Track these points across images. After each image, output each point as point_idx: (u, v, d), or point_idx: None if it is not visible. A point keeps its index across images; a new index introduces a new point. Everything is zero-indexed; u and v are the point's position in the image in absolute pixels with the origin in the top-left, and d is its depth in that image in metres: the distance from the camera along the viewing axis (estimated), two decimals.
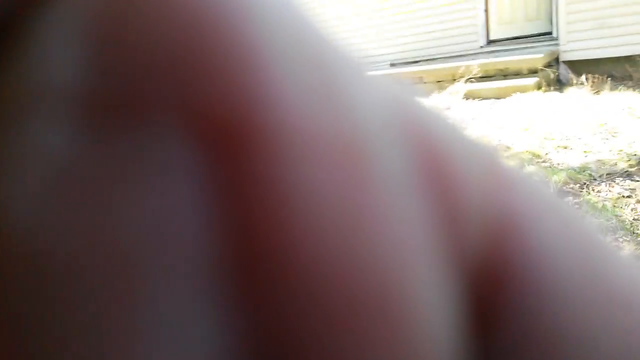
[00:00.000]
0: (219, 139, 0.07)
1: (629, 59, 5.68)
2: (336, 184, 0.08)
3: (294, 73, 0.08)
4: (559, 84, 6.01)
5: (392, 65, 7.39)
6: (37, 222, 0.07)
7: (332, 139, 0.08)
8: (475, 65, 5.93)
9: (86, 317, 0.07)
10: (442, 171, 0.09)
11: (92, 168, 0.07)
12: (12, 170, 0.07)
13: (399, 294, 0.08)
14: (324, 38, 0.09)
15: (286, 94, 0.08)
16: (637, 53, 5.61)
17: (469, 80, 5.86)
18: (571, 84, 5.81)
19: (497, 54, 6.56)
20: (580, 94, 5.39)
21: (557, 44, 6.26)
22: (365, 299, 0.08)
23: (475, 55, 6.64)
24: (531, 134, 4.30)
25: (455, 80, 6.00)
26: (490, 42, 7.01)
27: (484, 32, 6.99)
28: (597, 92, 5.34)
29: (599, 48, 5.91)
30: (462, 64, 6.09)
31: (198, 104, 0.07)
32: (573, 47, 6.11)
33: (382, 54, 7.43)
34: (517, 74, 5.92)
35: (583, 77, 5.64)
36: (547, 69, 5.94)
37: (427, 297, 0.08)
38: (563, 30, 6.20)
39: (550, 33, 6.56)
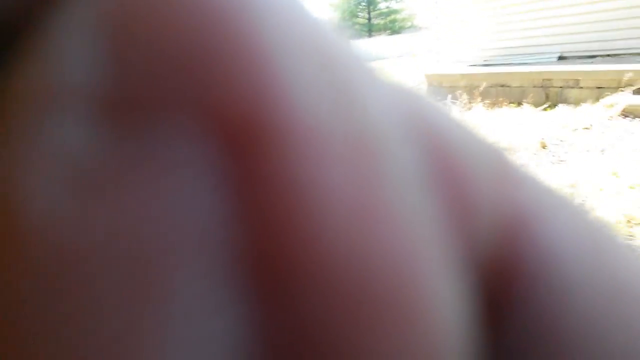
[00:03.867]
0: (233, 137, 0.08)
1: None
2: (349, 182, 0.08)
3: (305, 73, 0.08)
4: None
5: (561, 58, 6.36)
6: (54, 220, 0.07)
7: (344, 137, 0.08)
8: None
9: (103, 312, 0.07)
10: (453, 169, 0.09)
11: (109, 166, 0.07)
12: (30, 168, 0.07)
13: (413, 289, 0.08)
14: (334, 38, 0.09)
15: (298, 94, 0.08)
16: None
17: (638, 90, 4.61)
18: None
19: None
20: None
21: None
22: (380, 295, 0.08)
23: None
24: None
25: (619, 88, 4.81)
26: None
27: None
28: None
29: None
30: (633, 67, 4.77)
31: (213, 102, 0.08)
32: None
33: (549, 44, 6.43)
34: None
35: None
36: None
37: (440, 292, 0.08)
38: None
39: None
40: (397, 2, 30.51)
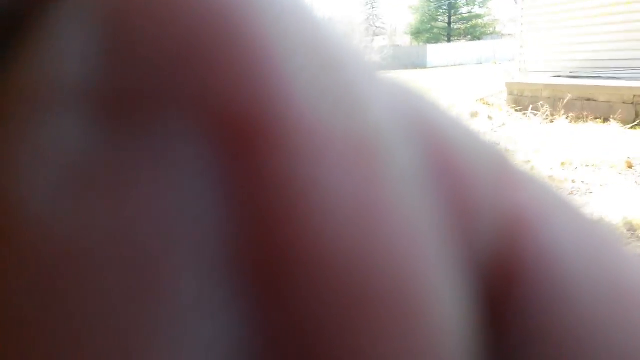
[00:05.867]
0: (233, 136, 0.08)
1: None
2: (349, 181, 0.08)
3: (306, 72, 0.08)
4: None
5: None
6: (53, 218, 0.07)
7: (345, 137, 0.08)
8: None
9: (102, 313, 0.07)
10: (453, 169, 0.09)
11: (107, 164, 0.07)
12: (28, 166, 0.07)
13: (413, 289, 0.08)
14: (336, 38, 0.09)
15: (299, 93, 0.08)
16: None
17: None
18: None
19: None
20: None
21: None
22: (380, 294, 0.08)
23: None
24: None
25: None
26: None
27: None
28: None
29: None
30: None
31: (213, 101, 0.08)
32: None
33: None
34: None
35: None
36: None
37: (440, 291, 0.08)
38: None
39: None
40: (480, 7, 29.83)
